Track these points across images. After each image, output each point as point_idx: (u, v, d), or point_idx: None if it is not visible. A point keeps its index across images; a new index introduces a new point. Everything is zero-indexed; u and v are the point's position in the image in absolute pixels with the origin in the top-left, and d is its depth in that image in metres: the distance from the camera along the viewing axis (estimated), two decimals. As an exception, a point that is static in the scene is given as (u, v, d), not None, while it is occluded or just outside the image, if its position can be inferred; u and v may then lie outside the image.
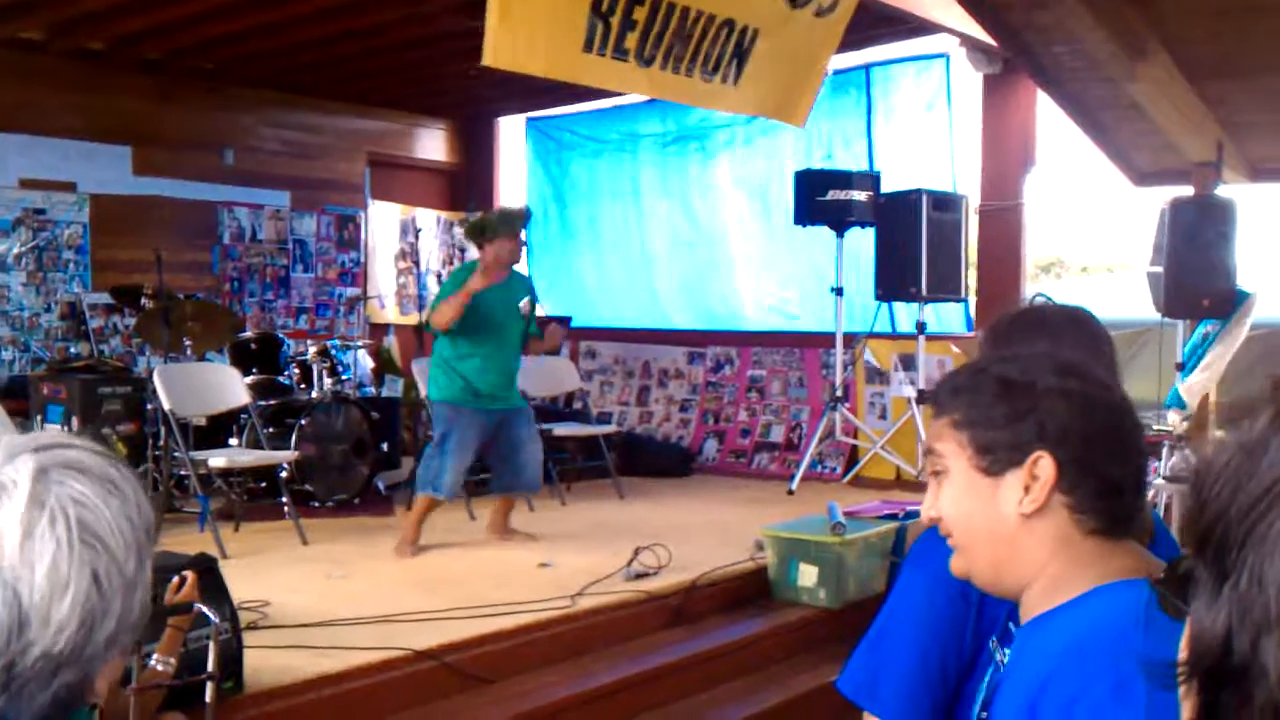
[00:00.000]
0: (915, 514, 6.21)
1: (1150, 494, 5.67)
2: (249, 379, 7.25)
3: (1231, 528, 0.84)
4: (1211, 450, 0.88)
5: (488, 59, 4.75)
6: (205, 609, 3.34)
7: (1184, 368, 6.95)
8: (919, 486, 7.82)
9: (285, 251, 10.28)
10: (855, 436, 8.67)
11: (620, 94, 9.59)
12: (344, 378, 8.06)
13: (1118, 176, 8.06)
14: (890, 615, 1.92)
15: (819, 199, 8.08)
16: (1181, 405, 6.79)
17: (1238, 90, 6.80)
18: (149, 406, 6.74)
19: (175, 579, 3.38)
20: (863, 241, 8.31)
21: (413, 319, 9.95)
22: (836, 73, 9.20)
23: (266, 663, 4.09)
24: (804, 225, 8.34)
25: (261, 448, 6.82)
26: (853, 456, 8.77)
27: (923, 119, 8.92)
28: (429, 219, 11.32)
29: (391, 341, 10.67)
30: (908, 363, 8.34)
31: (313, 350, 7.95)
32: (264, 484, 7.18)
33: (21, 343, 8.68)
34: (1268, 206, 8.43)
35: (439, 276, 11.18)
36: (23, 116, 8.54)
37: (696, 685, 4.92)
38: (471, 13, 4.84)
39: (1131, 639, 1.26)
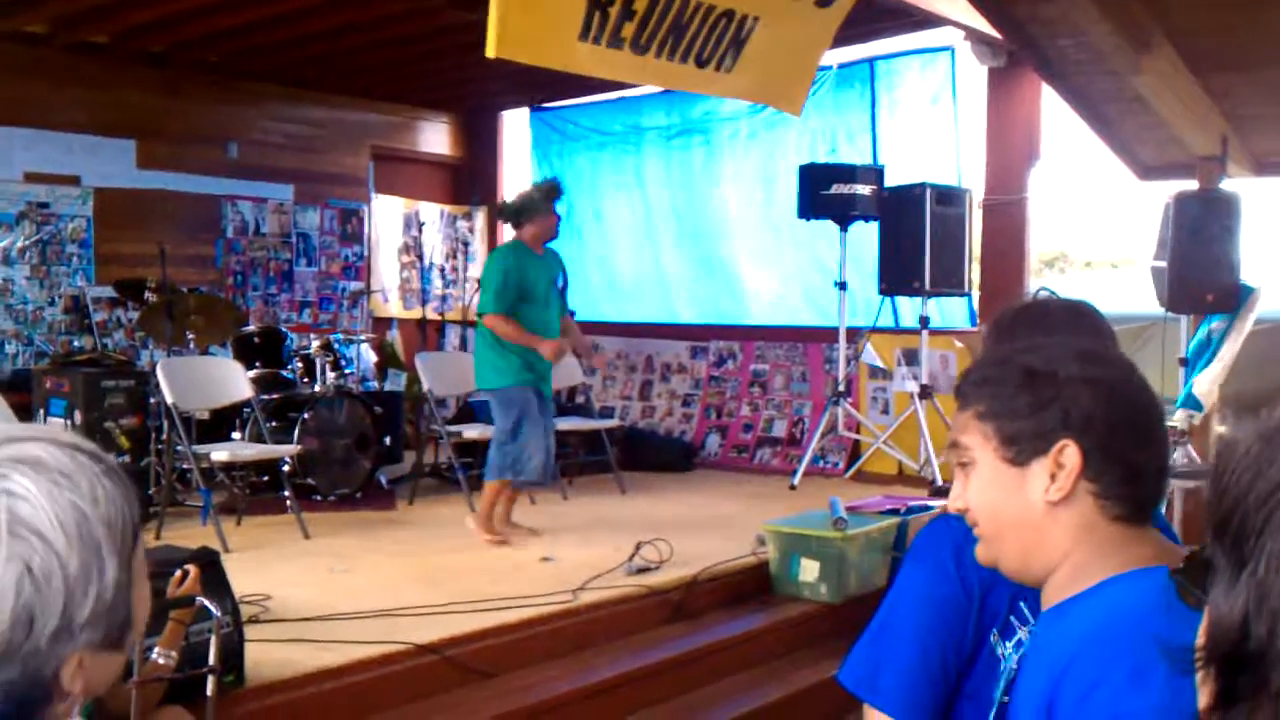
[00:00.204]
0: (917, 509, 6.21)
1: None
2: (252, 373, 7.25)
3: (1250, 515, 0.85)
4: (1231, 438, 0.89)
5: (490, 50, 4.75)
6: (207, 602, 3.35)
7: (1188, 363, 6.93)
8: (921, 482, 7.83)
9: (289, 245, 10.28)
10: (858, 431, 8.66)
11: (621, 86, 9.59)
12: (347, 372, 8.06)
13: (1122, 170, 8.04)
14: (891, 608, 1.92)
15: (823, 193, 8.06)
16: (1195, 406, 6.78)
17: (1243, 83, 6.78)
18: (152, 400, 6.75)
19: (177, 572, 3.38)
20: (866, 236, 8.30)
21: (416, 313, 9.94)
22: (841, 66, 9.21)
23: (268, 656, 4.10)
24: (807, 219, 8.33)
25: (264, 442, 6.82)
26: (855, 451, 8.76)
27: (927, 112, 8.90)
28: (432, 212, 11.32)
29: (395, 336, 10.67)
30: (910, 357, 8.33)
31: (316, 344, 7.96)
32: (266, 478, 7.19)
33: (25, 336, 8.69)
34: (1272, 200, 8.41)
35: (442, 270, 11.19)
36: (27, 110, 8.54)
37: (698, 680, 4.92)
38: (471, 6, 4.83)
39: (1151, 625, 1.26)
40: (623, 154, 10.71)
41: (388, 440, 7.85)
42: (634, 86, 9.70)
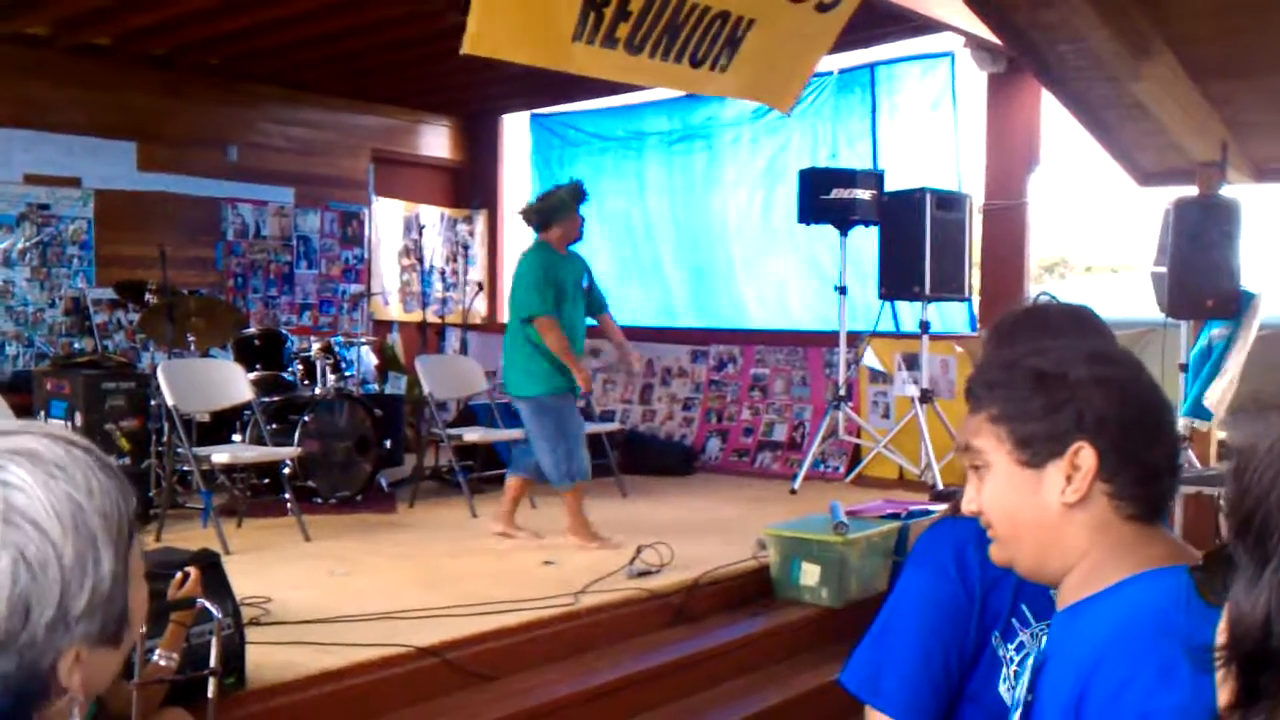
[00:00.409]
0: (918, 513, 6.21)
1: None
2: (252, 375, 7.25)
3: (1272, 513, 0.86)
4: (1253, 438, 0.90)
5: (466, 47, 4.74)
6: (208, 604, 3.35)
7: (1189, 369, 6.93)
8: (922, 486, 7.83)
9: (289, 248, 10.29)
10: (858, 436, 8.67)
11: (619, 90, 9.61)
12: (347, 374, 8.06)
13: (1122, 176, 8.04)
14: (893, 610, 1.93)
15: (823, 197, 8.07)
16: (1204, 415, 6.78)
17: (1243, 90, 6.79)
18: (153, 402, 6.75)
19: (178, 574, 3.38)
20: (866, 240, 8.30)
21: (416, 316, 9.95)
22: (841, 71, 9.22)
23: (269, 658, 4.10)
24: (808, 224, 8.34)
25: (265, 444, 6.82)
26: (855, 456, 8.77)
27: (927, 118, 8.91)
28: (433, 216, 11.33)
29: (395, 338, 10.68)
30: (911, 362, 8.33)
31: (316, 347, 7.96)
32: (267, 480, 7.19)
33: (26, 338, 8.70)
34: (1272, 206, 8.42)
35: (442, 273, 11.19)
36: (28, 112, 8.55)
37: (698, 684, 4.92)
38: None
39: (1175, 622, 1.29)
40: (625, 159, 10.71)
41: (388, 443, 7.85)
42: (632, 90, 9.73)
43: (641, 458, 9.02)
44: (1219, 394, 6.69)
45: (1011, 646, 1.80)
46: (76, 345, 8.73)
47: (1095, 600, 1.43)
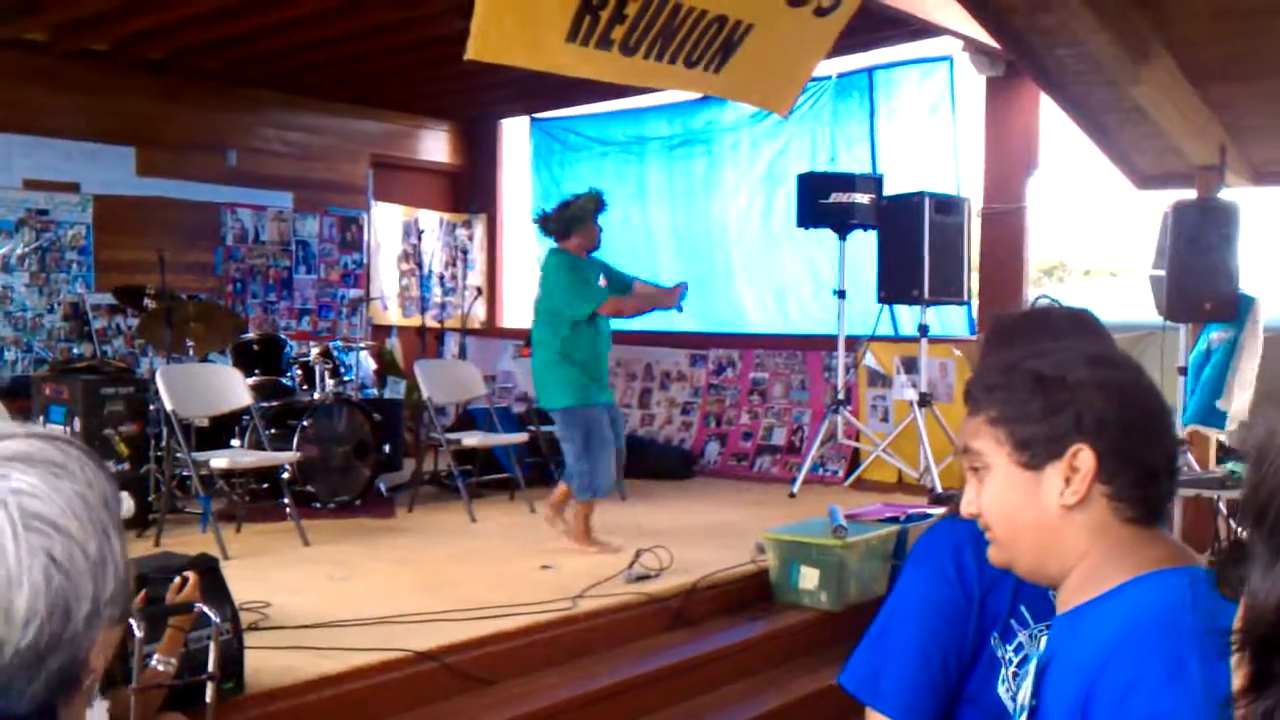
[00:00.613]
0: (916, 517, 6.20)
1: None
2: (251, 380, 7.25)
3: None
4: (1271, 429, 0.92)
5: (470, 52, 4.75)
6: (206, 609, 3.35)
7: (1188, 373, 6.93)
8: (920, 490, 7.83)
9: (288, 253, 10.29)
10: (857, 439, 8.66)
11: (619, 94, 9.60)
12: (346, 379, 8.06)
13: (1120, 180, 8.05)
14: (892, 612, 1.93)
15: (822, 202, 8.07)
16: (1216, 423, 6.79)
17: (1242, 94, 6.78)
18: (151, 407, 6.74)
19: (177, 579, 3.38)
20: (865, 244, 8.30)
21: (415, 321, 9.94)
22: (840, 76, 9.23)
23: (267, 663, 4.09)
24: (807, 228, 8.34)
25: (263, 449, 6.81)
26: (854, 460, 8.76)
27: (926, 122, 8.92)
28: (432, 220, 11.33)
29: (394, 343, 10.68)
30: (909, 365, 8.34)
31: (315, 351, 7.95)
32: (266, 485, 7.19)
33: (24, 343, 8.69)
34: (1271, 210, 8.42)
35: (441, 278, 11.19)
36: (26, 117, 8.56)
37: (697, 688, 4.91)
38: (470, 15, 4.83)
39: (1181, 623, 1.31)
40: (625, 164, 10.71)
41: (387, 448, 7.84)
42: (631, 94, 9.73)
43: (640, 462, 8.98)
44: (1238, 404, 6.68)
45: (1010, 647, 1.80)
46: (75, 350, 8.73)
47: (1098, 603, 1.43)
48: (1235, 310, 6.66)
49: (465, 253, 11.24)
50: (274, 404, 7.45)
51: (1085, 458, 1.44)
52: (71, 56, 8.67)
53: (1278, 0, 5.57)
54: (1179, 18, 6.08)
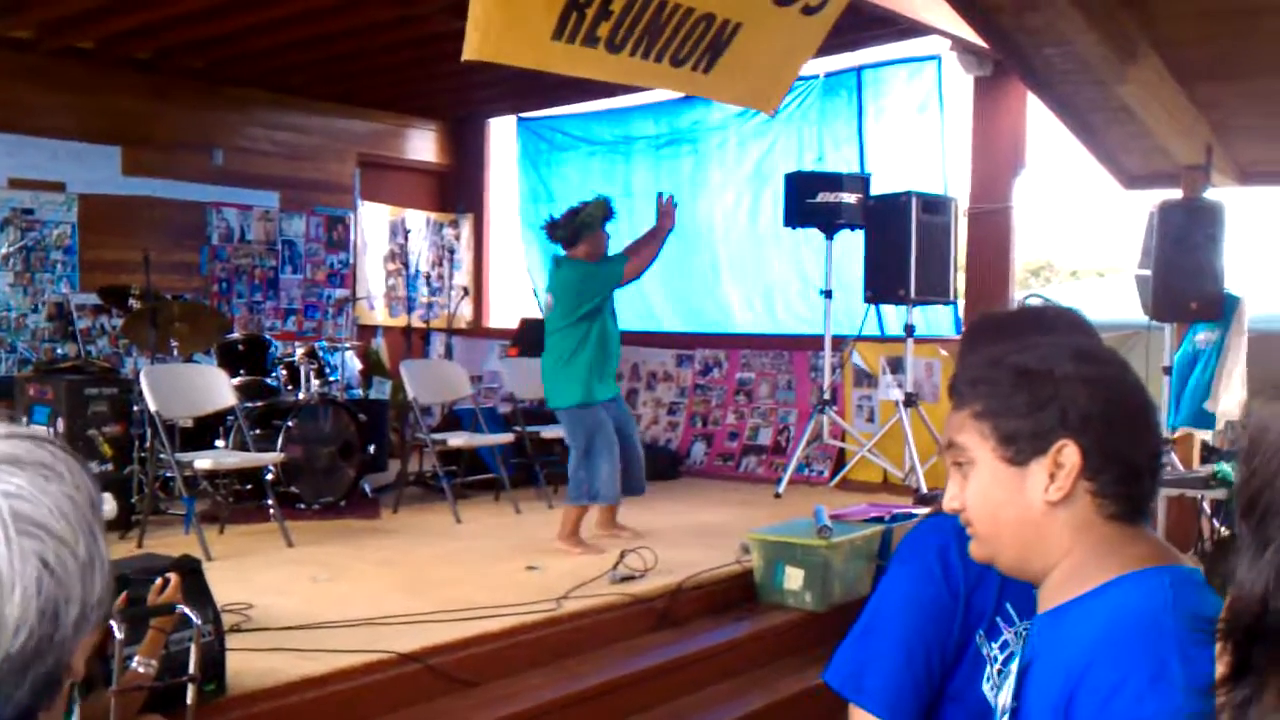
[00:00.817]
0: (902, 517, 6.20)
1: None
2: (236, 380, 7.23)
3: (1278, 497, 0.90)
4: (1263, 422, 0.93)
5: (468, 53, 4.74)
6: (188, 611, 3.33)
7: (1173, 373, 6.95)
8: (906, 490, 7.83)
9: (274, 252, 10.26)
10: (843, 439, 8.66)
11: (605, 93, 9.59)
12: (331, 379, 8.03)
13: (1107, 179, 8.07)
14: (877, 609, 1.93)
15: (809, 201, 8.06)
16: (1204, 424, 6.80)
17: (1229, 93, 6.80)
18: (135, 408, 6.71)
19: (158, 580, 3.37)
20: (852, 244, 8.30)
21: (401, 321, 9.94)
22: (828, 75, 9.23)
23: (250, 665, 4.07)
24: (794, 228, 8.33)
25: (248, 449, 6.78)
26: (840, 460, 8.76)
27: (914, 121, 8.92)
28: (418, 220, 11.31)
29: (380, 343, 10.65)
30: (895, 365, 8.34)
31: (300, 352, 7.92)
32: (249, 486, 7.16)
33: (8, 343, 8.65)
34: (1256, 209, 8.45)
35: (428, 278, 11.17)
36: (11, 116, 8.51)
37: (682, 688, 4.90)
38: (460, 13, 4.82)
39: (1163, 624, 1.31)
40: (612, 163, 10.70)
41: (372, 448, 7.82)
42: (618, 93, 9.73)
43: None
44: (1226, 405, 6.70)
45: (995, 645, 1.79)
46: (59, 351, 8.68)
47: (1080, 602, 1.42)
48: (1221, 310, 6.68)
49: (452, 252, 11.21)
50: (259, 404, 7.42)
51: (1070, 453, 1.43)
52: (57, 54, 8.63)
53: (1264, 0, 5.58)
54: (1166, 17, 6.09)
